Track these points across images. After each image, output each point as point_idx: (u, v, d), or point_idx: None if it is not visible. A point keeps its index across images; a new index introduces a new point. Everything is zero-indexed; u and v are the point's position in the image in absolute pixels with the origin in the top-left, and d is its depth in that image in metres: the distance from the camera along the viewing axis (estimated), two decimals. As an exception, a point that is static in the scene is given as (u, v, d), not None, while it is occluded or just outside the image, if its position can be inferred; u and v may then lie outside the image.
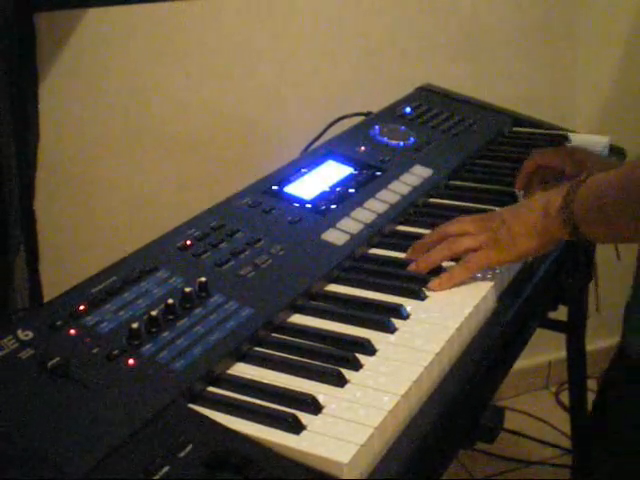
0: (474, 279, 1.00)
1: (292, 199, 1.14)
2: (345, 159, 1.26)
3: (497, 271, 1.01)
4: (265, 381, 0.81)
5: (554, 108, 1.96)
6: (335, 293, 0.99)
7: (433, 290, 0.98)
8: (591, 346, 1.70)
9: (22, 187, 1.36)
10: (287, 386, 0.80)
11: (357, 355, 0.84)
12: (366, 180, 1.21)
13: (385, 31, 1.77)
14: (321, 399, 0.77)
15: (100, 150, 1.56)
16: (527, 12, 1.91)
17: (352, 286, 1.00)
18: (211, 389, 0.80)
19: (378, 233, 1.11)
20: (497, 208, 1.11)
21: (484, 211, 1.12)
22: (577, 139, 1.45)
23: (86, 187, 1.56)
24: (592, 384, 1.68)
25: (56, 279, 1.41)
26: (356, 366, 0.83)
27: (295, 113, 1.70)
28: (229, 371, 0.83)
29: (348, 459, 0.70)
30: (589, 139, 1.45)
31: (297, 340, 0.88)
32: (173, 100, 1.59)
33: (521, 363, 1.31)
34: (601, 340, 2.17)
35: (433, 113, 1.48)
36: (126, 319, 0.84)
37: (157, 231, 1.01)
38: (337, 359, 0.84)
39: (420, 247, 1.04)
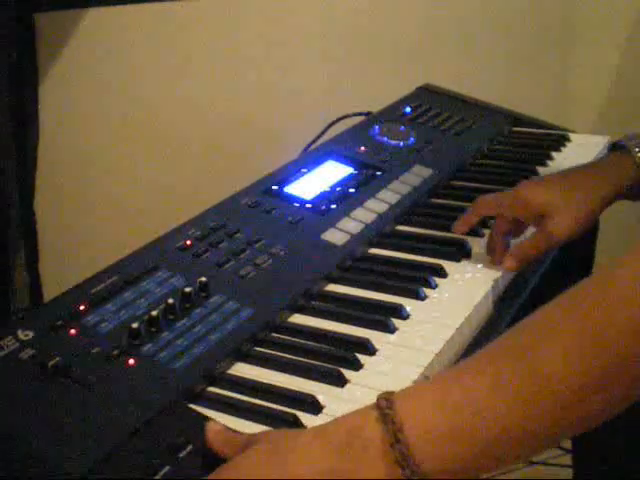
0: (473, 281, 1.00)
1: (292, 199, 1.14)
2: (345, 159, 1.26)
3: (497, 272, 1.01)
4: (265, 381, 0.81)
5: (554, 108, 1.96)
6: (335, 293, 0.99)
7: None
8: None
9: (22, 187, 1.36)
10: (287, 386, 0.80)
11: (357, 355, 0.84)
12: (366, 180, 1.21)
13: (385, 31, 1.77)
14: (321, 399, 0.77)
15: (100, 150, 1.56)
16: (527, 12, 1.91)
17: (352, 286, 1.00)
18: (211, 389, 0.80)
19: (378, 233, 1.11)
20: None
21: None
22: (577, 139, 1.45)
23: (86, 187, 1.56)
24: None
25: (56, 279, 1.41)
26: (356, 366, 0.83)
27: (295, 113, 1.70)
28: (229, 371, 0.83)
29: (348, 459, 0.70)
30: (589, 139, 1.45)
31: (297, 340, 0.88)
32: (173, 100, 1.59)
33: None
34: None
35: (433, 113, 1.48)
36: (126, 319, 0.84)
37: (157, 231, 1.01)
38: (337, 359, 0.84)
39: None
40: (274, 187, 1.15)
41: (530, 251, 0.99)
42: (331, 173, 1.22)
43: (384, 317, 0.91)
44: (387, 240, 1.11)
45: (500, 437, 0.57)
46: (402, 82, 1.61)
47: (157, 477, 0.66)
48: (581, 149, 1.40)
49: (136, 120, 1.57)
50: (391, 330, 0.89)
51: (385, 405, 0.60)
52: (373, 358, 0.85)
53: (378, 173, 1.24)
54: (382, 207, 1.15)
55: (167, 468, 0.67)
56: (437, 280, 0.99)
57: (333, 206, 1.13)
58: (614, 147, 1.09)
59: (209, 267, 0.95)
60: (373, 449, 0.58)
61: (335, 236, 1.07)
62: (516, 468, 2.00)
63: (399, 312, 0.92)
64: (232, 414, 0.76)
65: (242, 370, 0.84)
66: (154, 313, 0.84)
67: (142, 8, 1.51)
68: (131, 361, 0.79)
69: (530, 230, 1.03)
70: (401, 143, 1.35)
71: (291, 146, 1.41)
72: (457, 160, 1.34)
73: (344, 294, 0.98)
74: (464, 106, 1.53)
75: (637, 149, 1.04)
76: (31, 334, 0.80)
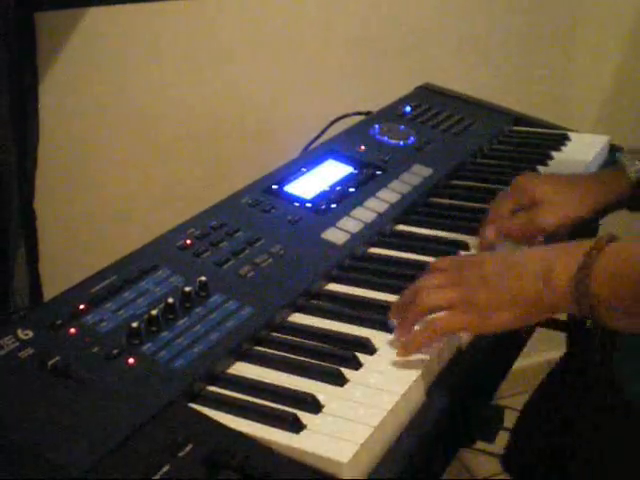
0: None
1: (292, 198, 1.14)
2: (345, 158, 1.27)
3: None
4: (265, 380, 0.81)
5: (554, 108, 1.96)
6: (335, 292, 0.99)
7: (403, 357, 0.84)
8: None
9: (22, 186, 1.36)
10: (287, 385, 0.80)
11: (357, 354, 0.84)
12: (366, 179, 1.21)
13: (385, 30, 1.77)
14: (321, 398, 0.77)
15: (100, 149, 1.56)
16: (527, 11, 1.91)
17: (352, 285, 1.00)
18: (211, 388, 0.80)
19: (378, 232, 1.11)
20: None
21: (485, 211, 1.11)
22: (577, 139, 1.45)
23: (86, 186, 1.56)
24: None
25: (56, 278, 1.41)
26: (356, 365, 0.83)
27: (295, 112, 1.70)
28: (229, 370, 0.83)
29: (348, 458, 0.70)
30: (589, 139, 1.45)
31: (297, 339, 0.88)
32: (173, 99, 1.59)
33: (521, 362, 1.31)
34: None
35: (433, 112, 1.48)
36: (126, 318, 0.84)
37: (157, 230, 1.01)
38: (337, 358, 0.84)
39: (396, 309, 0.89)
40: (274, 186, 1.15)
41: (513, 230, 1.01)
42: (331, 172, 1.22)
43: (384, 316, 0.91)
44: (387, 239, 1.11)
45: None
46: (402, 81, 1.61)
47: (157, 476, 0.66)
48: (581, 148, 1.40)
49: (136, 119, 1.57)
50: (391, 329, 0.89)
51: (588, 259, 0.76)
52: (373, 357, 0.85)
53: (378, 172, 1.24)
54: (382, 206, 1.15)
55: (167, 467, 0.67)
56: (437, 279, 0.99)
57: (333, 205, 1.13)
58: (615, 162, 1.13)
59: (209, 266, 0.95)
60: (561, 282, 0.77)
61: (335, 235, 1.07)
62: (516, 468, 2.00)
63: (399, 311, 0.92)
64: (232, 413, 0.76)
65: (242, 369, 0.84)
66: (154, 312, 0.85)
67: (142, 8, 1.51)
68: (131, 360, 0.79)
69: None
70: (401, 142, 1.35)
71: (291, 145, 1.41)
72: (457, 159, 1.34)
73: (344, 293, 0.98)
74: (464, 105, 1.53)
75: (631, 167, 1.07)
76: (31, 333, 0.80)
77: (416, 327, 0.85)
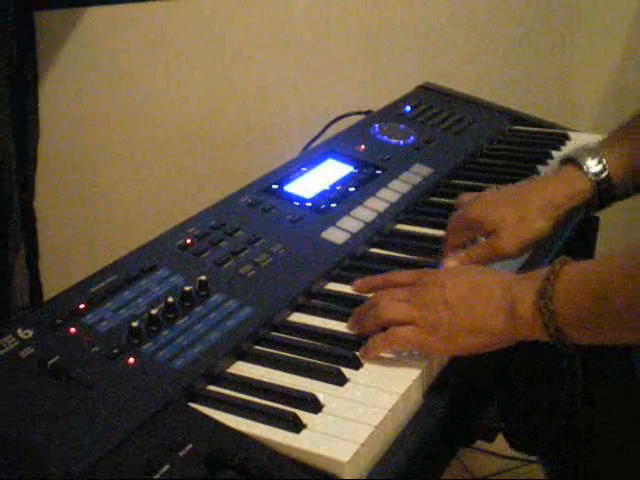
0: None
1: (292, 198, 1.14)
2: (345, 158, 1.26)
3: (496, 266, 1.01)
4: (265, 380, 0.81)
5: (554, 107, 1.96)
6: (335, 292, 0.98)
7: (364, 359, 0.84)
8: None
9: (22, 186, 1.36)
10: (287, 385, 0.80)
11: (357, 354, 0.84)
12: (366, 179, 1.21)
13: (385, 29, 1.77)
14: (321, 398, 0.77)
15: (100, 149, 1.56)
16: (527, 11, 1.91)
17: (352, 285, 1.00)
18: (211, 388, 0.80)
19: (378, 232, 1.11)
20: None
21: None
22: (577, 138, 1.45)
23: (86, 186, 1.56)
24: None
25: (56, 278, 1.42)
26: (356, 365, 0.83)
27: (295, 112, 1.70)
28: (229, 370, 0.83)
29: (348, 458, 0.70)
30: (589, 138, 1.45)
31: (297, 339, 0.88)
32: (173, 99, 1.59)
33: (521, 362, 1.30)
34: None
35: (433, 112, 1.48)
36: (126, 318, 0.84)
37: (157, 230, 1.01)
38: (337, 358, 0.84)
39: (354, 317, 0.90)
40: (274, 186, 1.15)
41: (475, 259, 0.99)
42: (331, 172, 1.22)
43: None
44: (387, 239, 1.11)
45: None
46: (402, 81, 1.61)
47: (157, 476, 0.66)
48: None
49: (136, 119, 1.57)
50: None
51: (547, 283, 0.78)
52: (373, 357, 0.85)
53: (378, 172, 1.24)
54: (382, 206, 1.15)
55: (167, 467, 0.67)
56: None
57: (333, 205, 1.13)
58: (566, 160, 1.08)
59: (209, 266, 0.95)
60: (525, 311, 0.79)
61: (335, 235, 1.07)
62: (516, 467, 2.00)
63: (399, 311, 0.92)
64: (232, 413, 0.76)
65: (242, 369, 0.84)
66: (154, 312, 0.84)
67: (142, 7, 1.51)
68: (131, 360, 0.79)
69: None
70: (401, 142, 1.35)
71: (291, 145, 1.41)
72: (457, 159, 1.34)
73: (344, 293, 0.98)
74: (464, 105, 1.53)
75: (589, 164, 1.03)
76: (31, 333, 0.80)
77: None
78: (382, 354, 0.84)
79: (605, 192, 1.04)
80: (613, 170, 1.03)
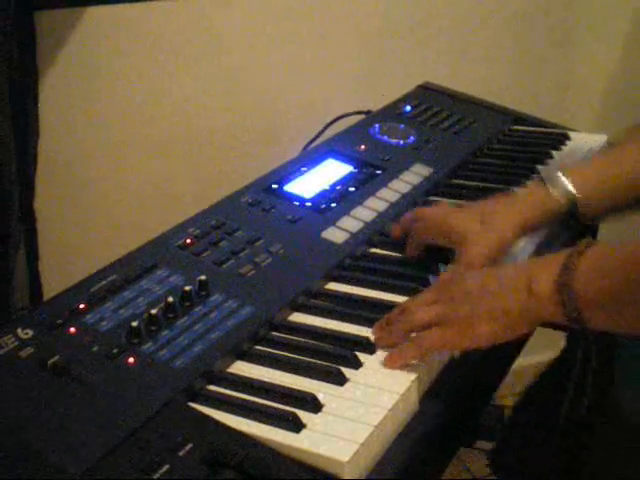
0: None
1: (292, 197, 1.14)
2: (345, 157, 1.26)
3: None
4: (265, 379, 0.81)
5: (554, 107, 1.96)
6: (335, 291, 0.98)
7: (389, 367, 0.83)
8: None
9: (22, 186, 1.36)
10: (287, 384, 0.80)
11: (357, 353, 0.84)
12: (366, 178, 1.21)
13: (385, 29, 1.77)
14: (321, 398, 0.77)
15: (100, 149, 1.56)
16: (527, 11, 1.91)
17: (352, 284, 1.00)
18: (211, 387, 0.80)
19: (378, 232, 1.11)
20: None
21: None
22: (577, 138, 1.45)
23: (86, 186, 1.56)
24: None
25: (56, 278, 1.41)
26: (356, 364, 0.83)
27: (295, 111, 1.70)
28: (229, 369, 0.83)
29: (348, 458, 0.70)
30: (589, 138, 1.45)
31: (297, 338, 0.88)
32: (173, 99, 1.59)
33: (521, 362, 1.31)
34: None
35: (433, 111, 1.48)
36: (126, 317, 0.84)
37: (157, 230, 1.01)
38: (337, 357, 0.84)
39: (381, 324, 0.89)
40: (274, 185, 1.15)
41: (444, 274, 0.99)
42: (331, 172, 1.22)
43: (384, 315, 0.91)
44: (387, 239, 1.11)
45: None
46: (402, 80, 1.61)
47: (157, 476, 0.66)
48: (581, 147, 1.40)
49: (136, 119, 1.57)
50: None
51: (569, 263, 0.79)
52: (373, 356, 0.85)
53: (378, 172, 1.24)
54: (382, 206, 1.15)
55: (167, 466, 0.67)
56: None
57: (333, 205, 1.13)
58: (537, 179, 1.10)
59: (209, 265, 0.95)
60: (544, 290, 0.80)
61: (335, 235, 1.07)
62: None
63: (399, 310, 0.92)
64: (232, 412, 0.76)
65: (242, 368, 0.84)
66: (154, 312, 0.84)
67: (142, 7, 1.51)
68: (131, 360, 0.79)
69: None
70: (401, 142, 1.35)
71: (291, 144, 1.41)
72: (457, 158, 1.34)
73: (344, 292, 0.98)
74: (464, 105, 1.53)
75: (559, 189, 1.05)
76: (31, 333, 0.80)
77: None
78: (385, 355, 0.84)
79: (576, 212, 1.05)
80: (582, 191, 1.04)
